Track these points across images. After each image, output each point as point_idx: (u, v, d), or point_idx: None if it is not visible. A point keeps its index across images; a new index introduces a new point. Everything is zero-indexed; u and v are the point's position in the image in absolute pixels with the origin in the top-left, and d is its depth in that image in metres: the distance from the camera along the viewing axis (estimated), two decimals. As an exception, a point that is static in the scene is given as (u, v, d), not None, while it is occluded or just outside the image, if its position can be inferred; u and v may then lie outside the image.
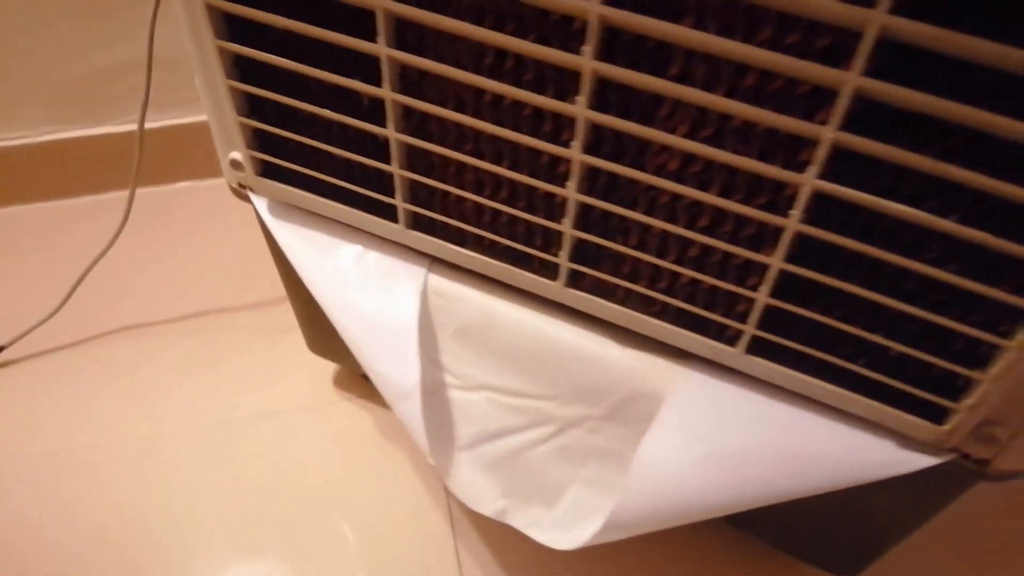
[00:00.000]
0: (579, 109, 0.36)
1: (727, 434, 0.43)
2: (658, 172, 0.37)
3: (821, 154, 0.32)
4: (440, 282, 0.51)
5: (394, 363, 0.51)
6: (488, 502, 0.53)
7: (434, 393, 0.53)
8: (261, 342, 0.83)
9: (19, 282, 0.91)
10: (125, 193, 0.75)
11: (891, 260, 0.34)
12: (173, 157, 0.99)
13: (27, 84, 0.91)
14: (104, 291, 0.87)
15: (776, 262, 0.37)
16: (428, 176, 0.44)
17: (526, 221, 0.43)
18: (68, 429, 0.76)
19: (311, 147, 0.46)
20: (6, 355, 0.82)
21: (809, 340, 0.40)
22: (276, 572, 0.65)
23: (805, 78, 0.31)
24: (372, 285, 0.52)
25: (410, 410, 0.51)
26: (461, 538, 0.66)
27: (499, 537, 0.66)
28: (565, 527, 0.50)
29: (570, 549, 0.48)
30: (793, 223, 0.35)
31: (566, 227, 0.41)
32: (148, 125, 0.69)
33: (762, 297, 0.38)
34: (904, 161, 0.30)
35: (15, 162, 0.97)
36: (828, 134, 0.31)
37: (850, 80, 0.29)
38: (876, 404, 0.40)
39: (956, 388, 0.38)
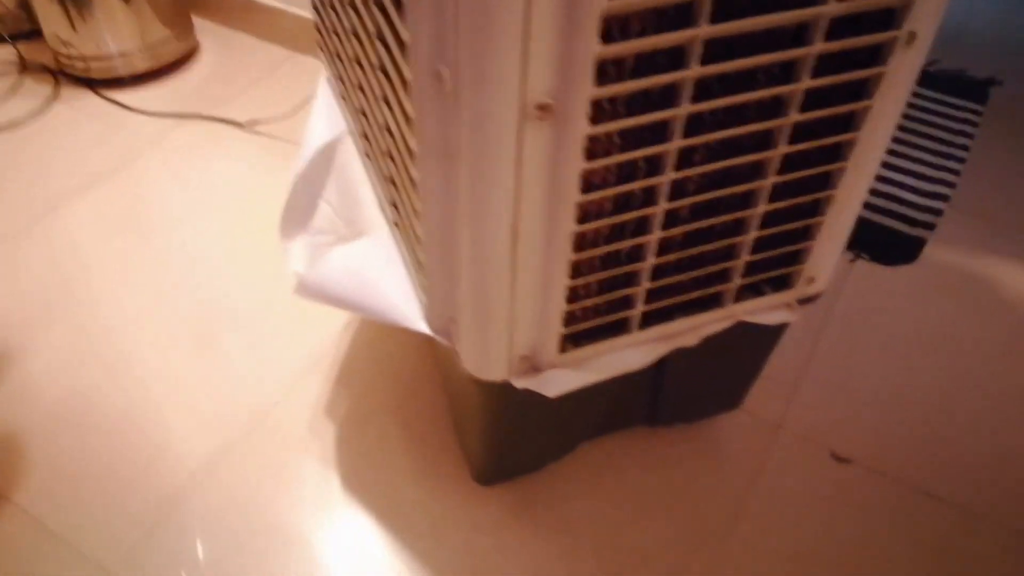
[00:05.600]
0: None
1: (367, 264, 0.73)
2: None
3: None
4: (348, 138, 0.86)
5: (302, 158, 0.86)
6: (298, 265, 0.86)
7: (311, 193, 0.88)
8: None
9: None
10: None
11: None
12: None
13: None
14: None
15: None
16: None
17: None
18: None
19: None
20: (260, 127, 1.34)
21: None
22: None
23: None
24: (325, 120, 0.88)
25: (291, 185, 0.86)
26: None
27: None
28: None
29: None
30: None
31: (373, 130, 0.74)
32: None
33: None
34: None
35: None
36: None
37: None
38: (419, 277, 0.68)
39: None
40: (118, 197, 1.23)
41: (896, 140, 1.32)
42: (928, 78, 1.46)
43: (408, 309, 0.69)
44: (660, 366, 0.73)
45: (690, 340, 0.66)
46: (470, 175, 0.51)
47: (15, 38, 1.51)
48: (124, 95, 1.42)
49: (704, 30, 0.46)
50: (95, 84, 1.43)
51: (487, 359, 0.64)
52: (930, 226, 1.18)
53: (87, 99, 1.41)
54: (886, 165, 1.27)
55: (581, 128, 0.48)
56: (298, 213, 0.88)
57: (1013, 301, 1.08)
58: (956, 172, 1.27)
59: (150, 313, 1.06)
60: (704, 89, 0.51)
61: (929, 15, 0.52)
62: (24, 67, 1.47)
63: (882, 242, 1.16)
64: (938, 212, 1.20)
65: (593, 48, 0.44)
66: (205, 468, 0.89)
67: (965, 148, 1.31)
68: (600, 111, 0.49)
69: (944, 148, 1.31)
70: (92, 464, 0.90)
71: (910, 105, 1.39)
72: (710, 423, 0.93)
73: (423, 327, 0.68)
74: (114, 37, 1.38)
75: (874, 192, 1.22)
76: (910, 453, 0.91)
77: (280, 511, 0.85)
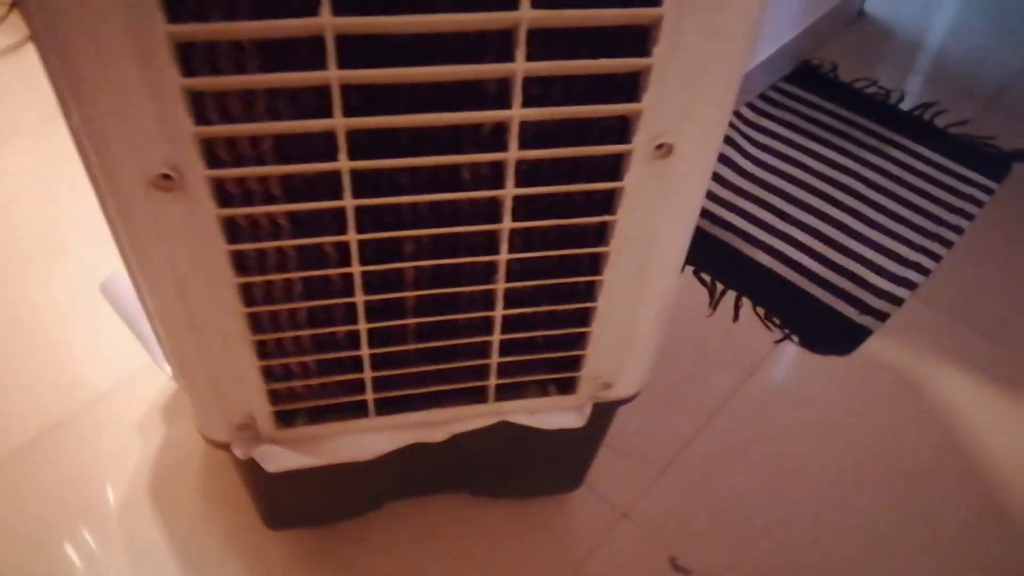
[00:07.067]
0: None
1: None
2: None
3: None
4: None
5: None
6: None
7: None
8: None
9: None
10: None
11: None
12: None
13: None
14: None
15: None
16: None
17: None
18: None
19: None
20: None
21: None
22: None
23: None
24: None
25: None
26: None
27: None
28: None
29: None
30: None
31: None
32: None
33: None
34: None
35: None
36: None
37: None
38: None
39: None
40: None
41: (876, 207, 1.18)
42: (943, 141, 1.30)
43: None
44: (453, 443, 0.66)
45: (439, 435, 0.59)
46: (123, 233, 0.45)
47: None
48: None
49: (341, 121, 0.38)
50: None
51: (206, 418, 0.58)
52: (883, 316, 1.05)
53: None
54: (855, 236, 1.14)
55: (211, 208, 0.41)
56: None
57: (941, 422, 0.95)
58: (937, 257, 1.13)
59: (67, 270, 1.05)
60: (392, 182, 0.43)
61: (692, 127, 0.43)
62: (15, 3, 1.47)
63: (820, 326, 1.04)
64: (899, 301, 1.07)
65: (187, 127, 0.37)
66: (33, 441, 0.87)
67: (958, 230, 1.16)
68: (249, 193, 0.42)
69: (932, 226, 1.16)
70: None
71: (907, 169, 1.24)
72: (553, 499, 0.85)
73: (166, 368, 0.62)
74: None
75: (831, 265, 1.10)
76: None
77: (84, 502, 0.83)
